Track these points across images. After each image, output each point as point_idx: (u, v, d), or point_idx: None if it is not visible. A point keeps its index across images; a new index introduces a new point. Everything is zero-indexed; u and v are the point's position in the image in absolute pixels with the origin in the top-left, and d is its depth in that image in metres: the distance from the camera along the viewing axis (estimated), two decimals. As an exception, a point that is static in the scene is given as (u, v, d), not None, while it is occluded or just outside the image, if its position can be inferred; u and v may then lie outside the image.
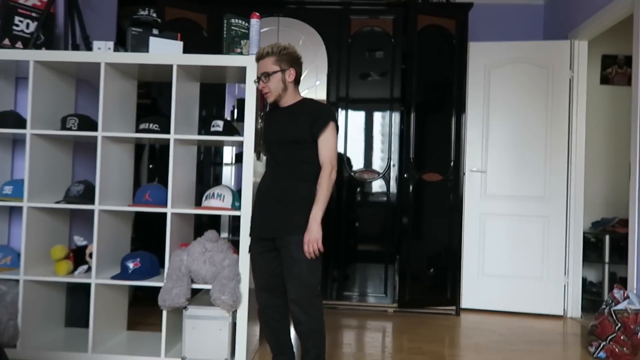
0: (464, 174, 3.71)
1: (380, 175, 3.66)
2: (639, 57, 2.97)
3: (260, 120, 2.46)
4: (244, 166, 2.40)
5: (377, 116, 3.71)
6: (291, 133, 2.22)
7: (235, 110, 3.94)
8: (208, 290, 2.44)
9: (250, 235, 2.32)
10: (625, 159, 4.02)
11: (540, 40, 4.13)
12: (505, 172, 3.79)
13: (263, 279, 2.29)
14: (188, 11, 3.66)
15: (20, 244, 2.65)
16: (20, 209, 2.65)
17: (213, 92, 3.64)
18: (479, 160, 3.81)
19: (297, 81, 2.28)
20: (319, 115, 2.20)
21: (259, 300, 2.32)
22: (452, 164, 3.62)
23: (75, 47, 2.67)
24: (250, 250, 2.33)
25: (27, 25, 2.52)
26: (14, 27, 2.49)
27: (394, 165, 3.65)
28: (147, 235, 3.33)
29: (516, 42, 3.85)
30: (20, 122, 2.55)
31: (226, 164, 3.95)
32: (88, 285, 2.61)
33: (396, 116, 3.67)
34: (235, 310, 2.36)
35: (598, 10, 3.39)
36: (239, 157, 4.02)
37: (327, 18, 3.73)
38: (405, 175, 3.58)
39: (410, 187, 3.57)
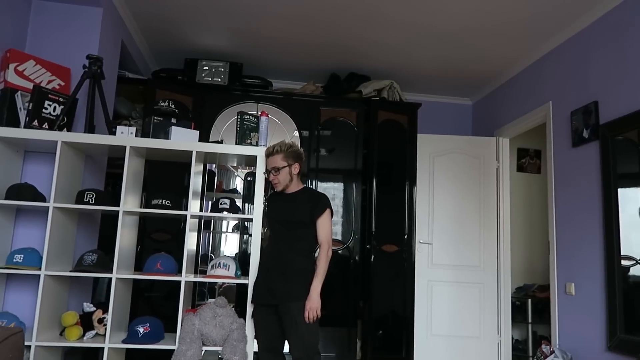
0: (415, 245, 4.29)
1: (345, 246, 4.14)
2: (552, 155, 3.79)
3: (264, 202, 2.87)
4: (253, 241, 2.76)
5: (342, 192, 4.24)
6: (294, 215, 2.67)
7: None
8: (211, 351, 2.71)
9: (253, 302, 2.67)
10: (539, 234, 4.86)
11: (471, 136, 4.98)
12: (448, 244, 4.44)
13: (266, 340, 2.64)
14: (176, 93, 4.03)
15: (16, 309, 2.79)
16: (16, 275, 2.80)
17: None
18: (426, 234, 4.44)
19: (299, 173, 2.76)
20: (317, 203, 2.68)
21: (263, 359, 2.65)
22: (406, 236, 4.19)
23: (92, 128, 2.95)
24: (253, 316, 2.68)
25: (54, 109, 2.79)
26: (43, 110, 2.75)
27: (356, 237, 4.15)
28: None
29: (454, 136, 4.65)
30: (35, 194, 2.75)
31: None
32: (83, 349, 2.76)
33: (358, 193, 4.22)
34: (242, 370, 2.64)
35: (519, 116, 4.28)
36: (207, 225, 4.34)
37: (300, 107, 4.29)
38: (367, 246, 4.09)
39: (372, 257, 4.08)
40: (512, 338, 4.47)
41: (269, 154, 2.70)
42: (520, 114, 4.28)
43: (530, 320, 4.49)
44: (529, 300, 4.52)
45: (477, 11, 3.45)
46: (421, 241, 4.40)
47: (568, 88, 3.66)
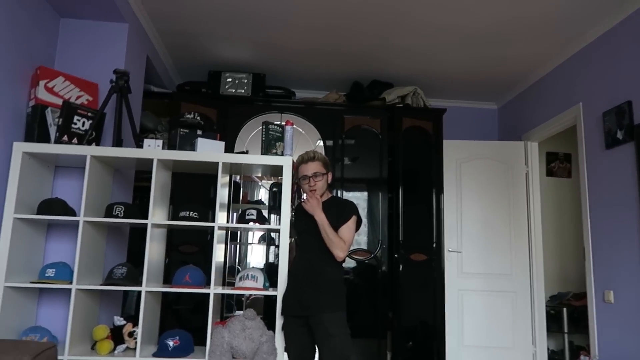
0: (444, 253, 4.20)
1: (372, 255, 4.08)
2: (584, 158, 3.68)
3: (291, 212, 2.84)
4: (281, 252, 2.72)
5: (368, 200, 4.19)
6: None
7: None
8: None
9: (283, 313, 2.63)
10: (572, 240, 4.72)
11: (498, 141, 4.89)
12: (478, 252, 4.34)
13: (297, 353, 2.59)
14: (200, 106, 4.06)
15: (49, 323, 2.81)
16: (48, 290, 2.83)
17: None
18: (455, 242, 4.35)
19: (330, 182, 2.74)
20: (343, 210, 2.64)
21: (293, 373, 2.60)
22: (434, 245, 4.11)
23: (119, 142, 2.98)
24: (283, 328, 2.64)
25: (83, 124, 2.83)
26: (73, 125, 2.78)
27: (384, 246, 4.09)
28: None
29: (481, 142, 4.57)
30: (66, 209, 2.78)
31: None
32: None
33: (384, 201, 4.16)
34: (272, 383, 2.59)
35: (547, 119, 4.18)
36: (233, 236, 4.33)
37: (323, 116, 4.28)
38: (395, 256, 4.02)
39: (400, 267, 4.00)
40: (548, 348, 4.33)
41: (310, 159, 2.64)
42: (548, 117, 4.17)
43: (566, 330, 4.34)
44: (564, 309, 4.38)
45: (501, 11, 3.38)
46: (450, 249, 4.32)
47: (599, 88, 3.56)
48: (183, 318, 3.80)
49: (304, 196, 2.72)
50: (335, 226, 2.58)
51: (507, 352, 4.17)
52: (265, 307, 3.94)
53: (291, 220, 2.78)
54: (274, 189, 4.19)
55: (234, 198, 4.18)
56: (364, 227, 4.12)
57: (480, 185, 4.44)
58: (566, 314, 4.36)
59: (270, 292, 2.73)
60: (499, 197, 4.42)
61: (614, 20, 3.39)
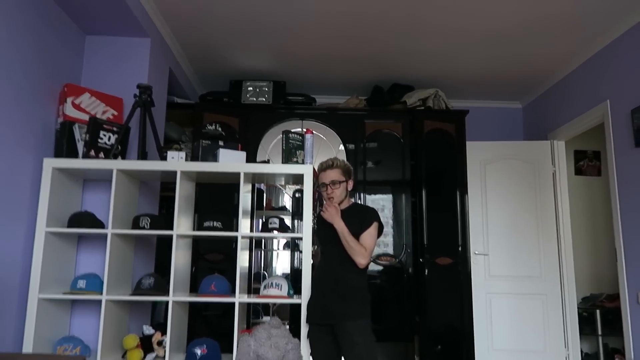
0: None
1: (398, 260, 4.05)
2: (613, 157, 3.58)
3: (313, 219, 2.85)
4: (304, 260, 2.74)
5: (391, 203, 4.16)
6: None
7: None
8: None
9: (308, 321, 2.64)
10: (604, 239, 4.59)
11: (523, 140, 4.80)
12: (505, 254, 4.27)
13: (322, 360, 2.60)
14: (222, 115, 4.12)
15: (81, 333, 2.89)
16: (80, 300, 2.91)
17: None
18: (481, 244, 4.29)
19: (351, 190, 2.74)
20: (365, 217, 2.63)
21: (319, 380, 2.60)
22: (460, 248, 4.06)
23: (144, 155, 3.05)
24: (308, 336, 2.65)
25: (109, 138, 2.91)
26: (99, 140, 2.86)
27: (409, 250, 4.06)
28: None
29: (505, 142, 4.50)
30: (95, 221, 2.86)
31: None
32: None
33: (408, 205, 4.14)
34: (298, 391, 2.61)
35: (574, 117, 4.08)
36: (258, 243, 4.37)
37: (344, 121, 4.27)
38: (420, 260, 3.99)
39: (426, 271, 3.97)
40: (582, 352, 4.22)
41: (328, 166, 2.65)
42: (575, 115, 4.08)
43: (600, 332, 4.22)
44: (597, 311, 4.26)
45: (522, 10, 3.32)
46: (476, 252, 4.26)
47: (626, 85, 3.46)
48: (212, 323, 3.85)
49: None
50: (357, 233, 2.58)
51: (539, 356, 4.09)
52: (291, 313, 3.96)
53: (313, 228, 2.79)
54: (297, 195, 4.21)
55: (257, 205, 4.22)
56: (389, 230, 4.10)
57: (506, 187, 4.37)
58: (600, 316, 4.25)
59: (295, 301, 2.75)
60: (525, 197, 4.33)
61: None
